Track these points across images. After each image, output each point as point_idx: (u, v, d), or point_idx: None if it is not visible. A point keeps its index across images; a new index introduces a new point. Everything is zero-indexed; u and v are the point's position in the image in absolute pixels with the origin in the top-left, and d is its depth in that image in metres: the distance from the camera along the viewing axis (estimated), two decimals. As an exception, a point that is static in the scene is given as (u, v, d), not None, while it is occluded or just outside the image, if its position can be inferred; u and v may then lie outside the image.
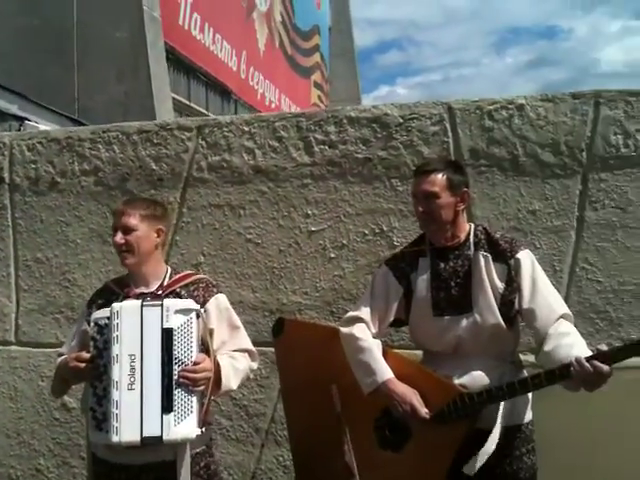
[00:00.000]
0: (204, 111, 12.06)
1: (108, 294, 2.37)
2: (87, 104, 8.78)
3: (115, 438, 2.13)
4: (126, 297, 2.32)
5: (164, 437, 2.13)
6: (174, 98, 10.20)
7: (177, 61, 11.09)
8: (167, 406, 2.15)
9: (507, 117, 2.93)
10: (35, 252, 3.42)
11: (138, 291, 2.33)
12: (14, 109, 6.92)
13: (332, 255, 3.12)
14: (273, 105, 15.76)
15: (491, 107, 2.95)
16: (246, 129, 3.22)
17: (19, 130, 5.97)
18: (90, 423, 2.27)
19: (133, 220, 2.31)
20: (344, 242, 3.11)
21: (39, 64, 8.68)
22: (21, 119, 6.57)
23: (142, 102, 8.52)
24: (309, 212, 3.14)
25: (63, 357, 2.38)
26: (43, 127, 6.09)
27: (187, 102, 11.61)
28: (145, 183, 3.32)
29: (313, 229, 3.14)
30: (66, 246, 3.38)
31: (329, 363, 2.44)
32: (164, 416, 2.14)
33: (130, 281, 2.38)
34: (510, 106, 2.93)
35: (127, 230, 2.30)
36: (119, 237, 2.30)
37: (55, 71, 8.73)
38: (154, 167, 3.32)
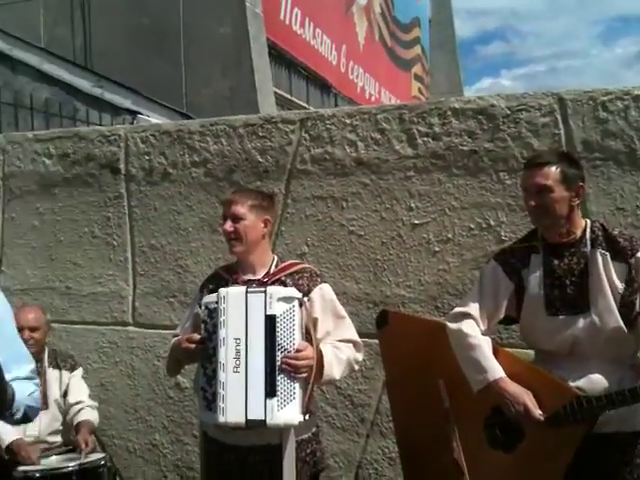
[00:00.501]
0: (305, 105, 12.20)
1: (218, 280, 2.47)
2: (194, 99, 9.09)
3: (221, 418, 2.21)
4: (234, 283, 2.41)
5: (267, 421, 2.18)
6: (276, 92, 10.37)
7: (278, 56, 11.27)
8: (270, 391, 2.21)
9: (622, 108, 2.81)
10: (150, 239, 3.61)
11: (245, 278, 2.40)
12: (127, 104, 7.29)
13: (436, 249, 3.11)
14: (373, 98, 15.72)
15: (605, 98, 2.84)
16: (348, 122, 3.25)
17: (132, 123, 6.29)
18: (201, 403, 2.37)
19: (242, 209, 2.39)
20: (449, 236, 3.08)
21: (149, 61, 9.06)
22: (134, 113, 6.91)
23: (246, 96, 8.74)
24: (412, 205, 3.14)
25: (177, 338, 2.50)
26: (154, 121, 6.38)
27: (289, 96, 11.79)
28: (251, 175, 3.43)
29: (416, 222, 3.14)
30: (178, 234, 3.55)
31: (435, 357, 2.43)
32: (267, 400, 2.20)
33: (238, 268, 2.46)
34: (626, 97, 2.81)
35: (236, 219, 2.38)
36: (228, 225, 2.39)
37: (164, 67, 9.09)
38: (259, 159, 3.41)
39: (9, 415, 1.79)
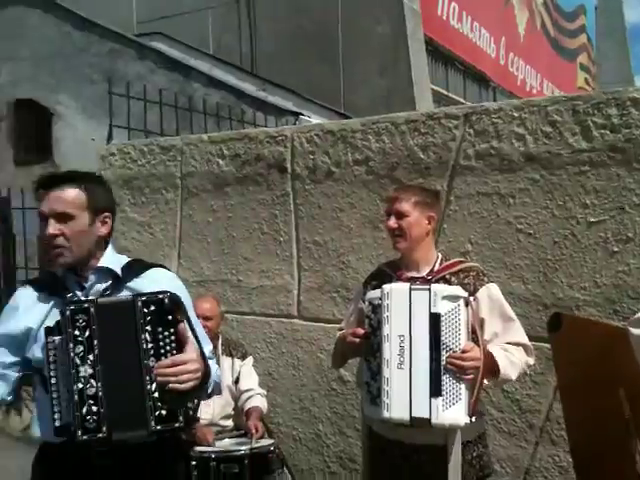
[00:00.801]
0: (462, 100, 11.94)
1: (381, 276, 2.47)
2: (352, 99, 9.22)
3: (385, 414, 2.22)
4: (398, 280, 2.41)
5: (432, 420, 2.16)
6: (433, 89, 10.26)
7: (435, 51, 11.14)
8: (435, 390, 2.18)
9: None
10: (314, 235, 3.72)
11: (409, 275, 2.39)
12: (290, 105, 7.56)
13: (615, 249, 2.91)
14: (534, 91, 15.06)
15: None
16: (516, 115, 3.13)
17: (294, 124, 6.51)
18: (365, 397, 2.39)
19: (406, 206, 2.38)
20: (629, 235, 2.87)
21: (309, 63, 9.32)
22: (296, 114, 7.15)
23: (403, 94, 8.73)
24: (587, 202, 2.96)
25: (342, 332, 2.55)
26: (315, 121, 6.56)
27: (445, 92, 11.61)
28: (413, 172, 3.41)
29: (592, 220, 2.96)
30: (341, 231, 3.62)
31: (614, 365, 2.27)
32: (432, 400, 2.17)
33: (402, 265, 2.45)
34: None
35: (400, 215, 2.38)
36: (392, 221, 2.39)
37: (323, 69, 9.32)
38: (421, 156, 3.38)
39: (205, 389, 1.91)
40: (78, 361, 1.75)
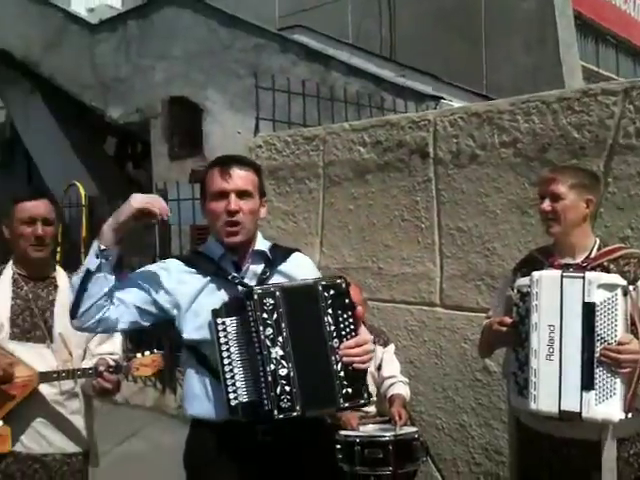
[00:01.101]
0: (614, 76, 11.14)
1: (532, 262, 2.38)
2: (494, 79, 8.91)
3: (533, 406, 2.16)
4: (550, 267, 2.30)
5: (583, 414, 2.08)
6: (582, 66, 9.66)
7: (584, 25, 10.47)
8: (587, 383, 2.10)
9: None
10: (457, 222, 3.63)
11: (563, 261, 2.28)
12: (429, 90, 7.43)
13: None
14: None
15: None
16: (682, 88, 2.86)
17: (435, 109, 6.39)
18: (512, 388, 2.33)
19: (562, 188, 2.27)
20: None
21: (450, 44, 9.11)
22: (437, 98, 7.02)
23: (550, 72, 8.28)
24: None
25: (488, 320, 2.48)
26: (456, 105, 6.40)
27: (595, 68, 10.89)
28: (566, 152, 3.23)
29: None
30: (485, 216, 3.51)
31: None
32: (584, 393, 2.09)
33: (555, 251, 2.34)
34: None
35: (555, 198, 2.27)
36: (546, 204, 2.29)
37: (465, 49, 9.07)
38: (575, 135, 3.19)
39: None
40: (269, 343, 1.82)
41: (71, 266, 2.61)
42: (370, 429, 3.14)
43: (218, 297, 1.95)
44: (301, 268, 2.11)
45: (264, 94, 5.75)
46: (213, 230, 2.07)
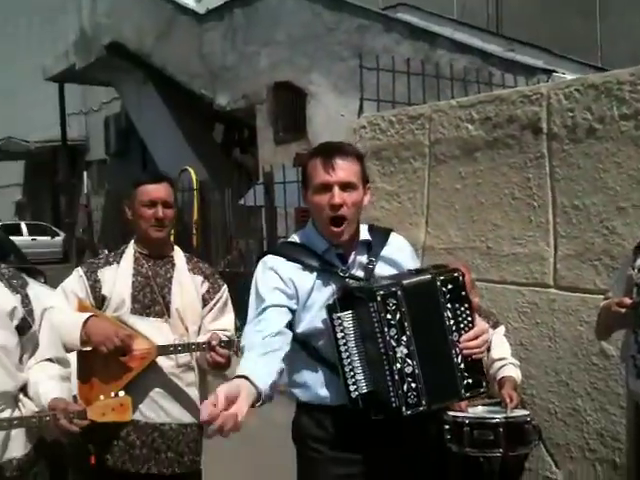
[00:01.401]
0: None
1: None
2: (610, 52, 8.41)
3: None
4: None
5: None
6: None
7: None
8: None
9: None
10: (573, 199, 3.46)
11: None
12: (540, 64, 7.12)
13: None
14: None
15: None
16: None
17: (547, 82, 6.12)
18: (630, 371, 2.22)
19: None
20: None
21: (561, 17, 8.69)
22: (548, 72, 6.72)
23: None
24: None
25: (607, 301, 2.37)
26: (570, 78, 6.10)
27: None
28: (693, 125, 3.00)
29: None
30: (604, 193, 3.32)
31: None
32: None
33: None
34: None
35: None
36: None
37: (576, 21, 8.62)
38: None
39: None
40: (394, 343, 1.85)
41: (182, 247, 2.74)
42: (479, 411, 3.07)
43: (328, 291, 1.96)
44: (401, 252, 2.10)
45: (368, 75, 5.71)
46: (317, 222, 2.01)
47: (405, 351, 1.85)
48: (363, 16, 8.69)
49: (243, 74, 10.46)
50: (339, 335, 1.89)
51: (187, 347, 2.43)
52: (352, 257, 2.01)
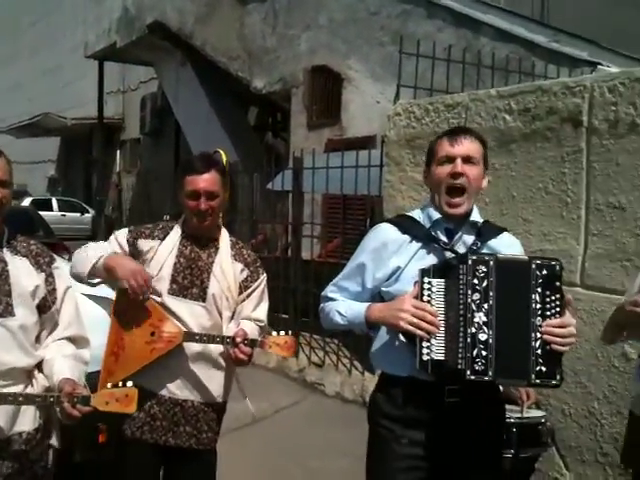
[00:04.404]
0: None
1: None
2: (661, 46, 8.09)
3: None
4: None
5: None
6: None
7: None
8: None
9: None
10: (608, 196, 3.33)
11: None
12: (585, 55, 6.89)
13: None
14: None
15: None
16: None
17: (591, 74, 5.90)
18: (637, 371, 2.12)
19: None
20: None
21: (609, 8, 8.41)
22: (593, 64, 6.49)
23: None
24: None
25: (624, 301, 2.26)
26: (615, 70, 5.88)
27: None
28: None
29: None
30: (641, 192, 3.19)
31: None
32: None
33: None
34: None
35: None
36: None
37: (626, 13, 8.32)
38: None
39: None
40: (474, 307, 1.88)
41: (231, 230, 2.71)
42: None
43: (427, 262, 2.02)
44: (512, 248, 2.13)
45: (407, 62, 5.59)
46: (434, 198, 2.11)
47: (484, 318, 1.87)
48: (406, 1, 8.52)
49: (282, 57, 10.38)
50: (425, 299, 1.93)
51: (212, 339, 2.43)
52: (459, 234, 2.08)
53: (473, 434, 2.01)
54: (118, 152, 20.22)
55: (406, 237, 2.09)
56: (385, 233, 2.13)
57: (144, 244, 2.53)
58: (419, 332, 1.91)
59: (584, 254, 3.43)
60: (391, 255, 2.07)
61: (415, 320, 1.91)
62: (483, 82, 5.83)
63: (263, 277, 2.63)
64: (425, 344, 1.90)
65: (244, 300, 2.55)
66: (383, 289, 2.09)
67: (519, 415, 2.83)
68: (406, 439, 2.02)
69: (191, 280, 2.50)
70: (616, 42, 7.67)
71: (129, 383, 1.92)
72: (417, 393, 1.99)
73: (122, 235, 2.56)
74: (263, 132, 13.52)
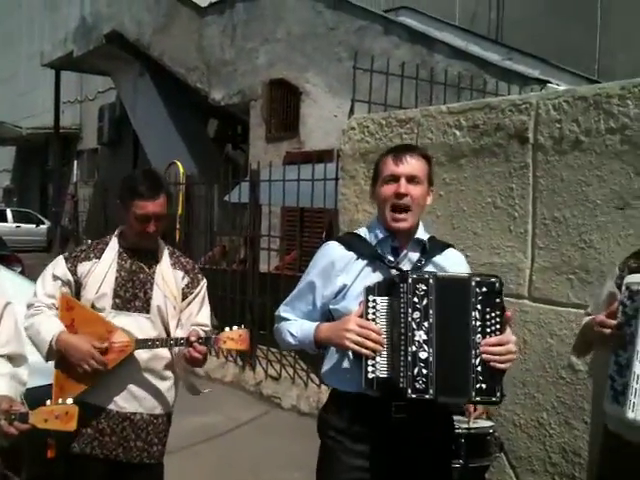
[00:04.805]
0: None
1: None
2: (607, 64, 8.38)
3: (630, 414, 2.00)
4: None
5: None
6: None
7: None
8: None
9: None
10: (553, 211, 3.42)
11: None
12: (536, 73, 7.09)
13: None
14: None
15: None
16: None
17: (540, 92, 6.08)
18: (607, 392, 2.17)
19: None
20: None
21: (563, 28, 8.66)
22: (543, 82, 6.69)
23: (673, 57, 7.68)
24: None
25: (590, 317, 2.31)
26: (563, 88, 6.07)
27: None
28: (677, 141, 2.96)
29: None
30: (585, 207, 3.28)
31: None
32: None
33: None
34: None
35: None
36: None
37: (576, 33, 8.59)
38: (693, 122, 2.93)
39: None
40: (414, 326, 1.90)
41: (166, 240, 2.74)
42: None
43: (373, 279, 2.05)
44: (456, 266, 2.16)
45: (362, 77, 5.67)
46: (380, 214, 2.15)
47: (424, 337, 1.89)
48: (363, 17, 8.64)
49: (240, 70, 10.40)
50: (370, 317, 1.96)
51: (165, 342, 2.46)
52: (404, 252, 2.11)
53: (421, 447, 2.04)
54: (75, 162, 19.91)
55: (352, 255, 2.12)
56: (332, 251, 2.17)
57: (82, 267, 2.54)
58: (364, 351, 1.93)
59: (531, 267, 3.51)
60: (338, 273, 2.11)
61: (360, 339, 1.94)
62: (437, 98, 5.95)
63: (203, 282, 2.67)
64: (370, 362, 1.93)
65: (187, 306, 2.59)
66: (331, 306, 2.12)
67: (467, 426, 2.89)
68: (354, 452, 2.04)
69: (134, 293, 2.51)
70: (567, 60, 7.92)
71: (69, 400, 1.90)
72: (365, 409, 2.02)
73: (61, 267, 2.56)
74: (223, 144, 13.50)
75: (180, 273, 2.60)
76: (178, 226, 7.34)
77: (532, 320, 3.47)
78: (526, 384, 3.48)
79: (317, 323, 2.11)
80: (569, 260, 3.32)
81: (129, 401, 2.50)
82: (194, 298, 2.61)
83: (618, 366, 2.07)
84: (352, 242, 2.17)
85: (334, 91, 8.75)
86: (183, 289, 2.59)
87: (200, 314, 2.62)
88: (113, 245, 2.57)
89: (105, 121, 16.95)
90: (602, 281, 2.85)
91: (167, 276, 2.55)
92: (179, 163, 8.63)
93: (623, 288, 2.09)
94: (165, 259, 2.59)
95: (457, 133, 3.93)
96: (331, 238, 2.34)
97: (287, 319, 2.22)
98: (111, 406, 2.48)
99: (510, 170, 3.64)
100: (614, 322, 2.08)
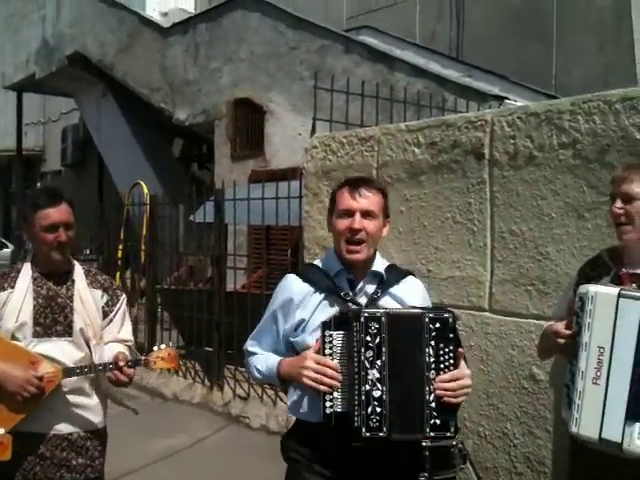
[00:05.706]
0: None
1: (600, 267, 2.25)
2: (564, 80, 8.60)
3: (573, 429, 2.07)
4: (617, 276, 2.15)
5: (624, 446, 1.96)
6: (661, 65, 9.18)
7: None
8: (633, 414, 1.97)
9: None
10: (510, 224, 3.50)
11: (631, 271, 2.13)
12: (495, 90, 7.24)
13: None
14: None
15: None
16: None
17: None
18: (563, 400, 2.23)
19: (636, 188, 2.11)
20: None
21: (520, 45, 8.87)
22: (501, 99, 6.84)
23: (624, 72, 7.92)
24: None
25: (549, 324, 2.37)
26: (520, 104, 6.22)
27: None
28: (627, 155, 3.05)
29: None
30: (540, 220, 3.36)
31: None
32: (627, 424, 1.97)
33: (625, 258, 2.19)
34: None
35: (629, 199, 2.12)
36: (618, 206, 2.14)
37: (534, 50, 8.80)
38: (638, 137, 3.02)
39: None
40: (367, 365, 1.92)
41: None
42: None
43: (330, 313, 2.08)
44: (413, 294, 2.21)
45: (324, 95, 5.73)
46: (336, 245, 2.19)
47: (377, 375, 1.91)
48: (324, 36, 8.75)
49: (204, 89, 10.42)
50: (327, 352, 1.98)
51: (94, 368, 2.44)
52: (361, 285, 2.15)
53: (385, 465, 2.06)
54: (38, 185, 19.61)
55: (310, 289, 2.16)
56: (291, 285, 2.20)
57: None
58: (321, 387, 1.97)
59: (491, 280, 3.58)
60: (297, 307, 2.15)
61: (316, 376, 1.97)
62: (398, 115, 6.04)
63: (123, 298, 2.66)
64: (328, 397, 1.96)
65: (109, 324, 2.58)
66: (291, 339, 2.16)
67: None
68: (318, 472, 2.08)
69: (53, 318, 2.49)
70: (526, 77, 8.11)
71: (1, 430, 1.89)
72: (326, 436, 2.03)
73: None
74: (189, 163, 13.46)
75: (98, 292, 2.59)
76: (143, 247, 7.28)
77: (493, 332, 3.53)
78: (489, 395, 3.53)
79: (280, 359, 2.14)
80: (527, 272, 3.40)
81: (63, 423, 2.49)
82: (115, 315, 2.61)
83: (572, 375, 2.13)
84: (310, 275, 2.20)
85: (297, 109, 8.82)
86: (103, 307, 2.59)
87: (122, 330, 2.63)
88: (26, 271, 2.53)
89: (69, 142, 16.77)
90: (559, 292, 2.94)
91: (85, 296, 2.54)
92: (143, 183, 8.60)
93: (576, 298, 2.15)
94: (81, 279, 2.57)
95: (416, 150, 4.00)
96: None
97: (254, 353, 2.25)
98: (47, 430, 2.47)
99: (468, 186, 3.72)
100: (568, 332, 2.14)
